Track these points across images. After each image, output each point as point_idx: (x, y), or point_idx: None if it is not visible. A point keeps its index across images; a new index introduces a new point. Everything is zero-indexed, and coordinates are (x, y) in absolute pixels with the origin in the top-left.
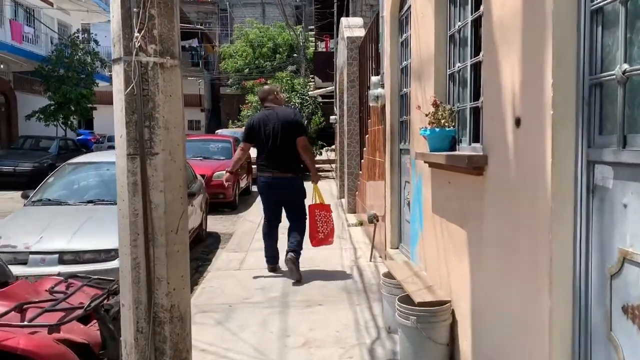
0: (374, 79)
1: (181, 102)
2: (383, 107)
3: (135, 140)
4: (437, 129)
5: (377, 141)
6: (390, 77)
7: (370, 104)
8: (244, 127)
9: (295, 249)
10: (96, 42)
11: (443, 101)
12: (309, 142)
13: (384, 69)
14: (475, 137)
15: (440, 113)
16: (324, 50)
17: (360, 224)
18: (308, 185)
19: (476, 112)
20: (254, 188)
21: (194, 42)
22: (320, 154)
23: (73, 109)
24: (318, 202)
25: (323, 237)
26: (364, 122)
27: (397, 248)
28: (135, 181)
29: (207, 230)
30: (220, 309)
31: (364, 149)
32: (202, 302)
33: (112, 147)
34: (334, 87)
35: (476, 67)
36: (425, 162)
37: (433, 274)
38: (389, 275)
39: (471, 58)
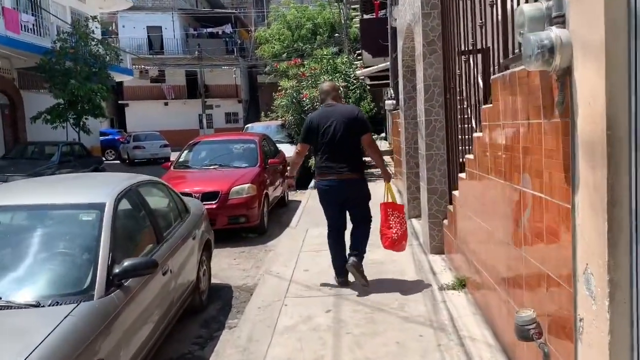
0: (528, 8)
1: None
2: (564, 71)
3: None
4: None
5: (528, 152)
6: None
7: (527, 67)
8: (278, 120)
9: (358, 253)
10: (107, 32)
11: None
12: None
13: None
14: None
15: None
16: (373, 16)
17: (462, 284)
18: None
19: None
20: (292, 196)
21: (227, 28)
22: None
23: (86, 107)
24: (390, 201)
25: (396, 238)
26: (454, 108)
27: None
28: None
29: (213, 281)
30: None
31: (467, 157)
32: None
33: (137, 148)
34: (389, 61)
35: None
36: None
37: None
38: None
39: None
